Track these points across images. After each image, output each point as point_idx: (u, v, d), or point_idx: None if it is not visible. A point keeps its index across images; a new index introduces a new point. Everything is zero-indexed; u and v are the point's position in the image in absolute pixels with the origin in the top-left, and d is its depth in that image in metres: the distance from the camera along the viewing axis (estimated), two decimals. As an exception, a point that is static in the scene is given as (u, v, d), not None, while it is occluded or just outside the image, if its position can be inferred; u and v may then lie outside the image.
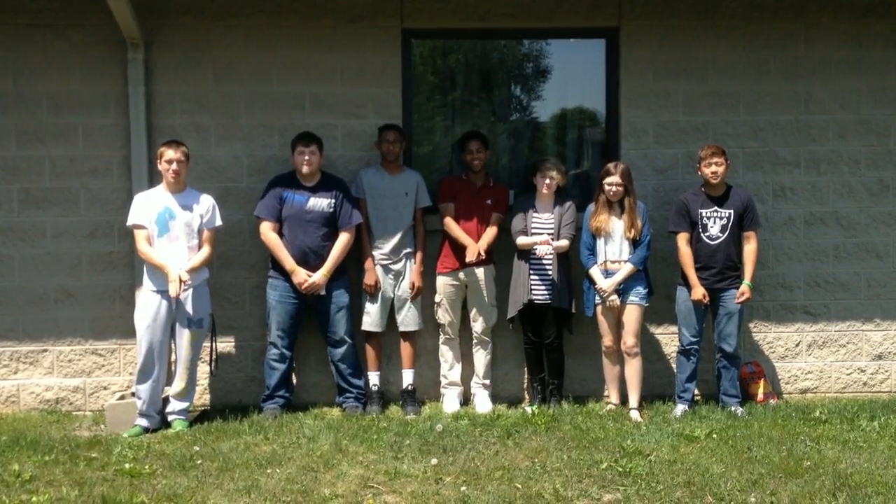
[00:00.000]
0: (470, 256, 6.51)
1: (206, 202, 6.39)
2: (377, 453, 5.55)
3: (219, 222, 6.43)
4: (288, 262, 6.50)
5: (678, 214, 6.60)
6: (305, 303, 6.60)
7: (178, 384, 6.30)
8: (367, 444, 5.72)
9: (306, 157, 6.49)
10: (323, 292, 6.54)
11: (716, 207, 6.52)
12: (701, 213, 6.52)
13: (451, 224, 6.69)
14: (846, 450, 5.59)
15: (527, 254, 6.61)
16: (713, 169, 6.46)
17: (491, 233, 6.69)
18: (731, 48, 7.08)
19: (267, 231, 6.54)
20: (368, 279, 6.68)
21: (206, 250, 6.35)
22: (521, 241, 6.58)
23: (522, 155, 7.44)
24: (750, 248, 6.56)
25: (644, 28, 7.03)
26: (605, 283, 6.44)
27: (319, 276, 6.51)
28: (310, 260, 6.52)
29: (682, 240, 6.55)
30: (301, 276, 6.47)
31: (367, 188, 6.74)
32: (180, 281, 6.08)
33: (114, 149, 6.82)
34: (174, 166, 6.22)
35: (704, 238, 6.52)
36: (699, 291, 6.43)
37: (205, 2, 6.80)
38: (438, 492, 4.87)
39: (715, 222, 6.51)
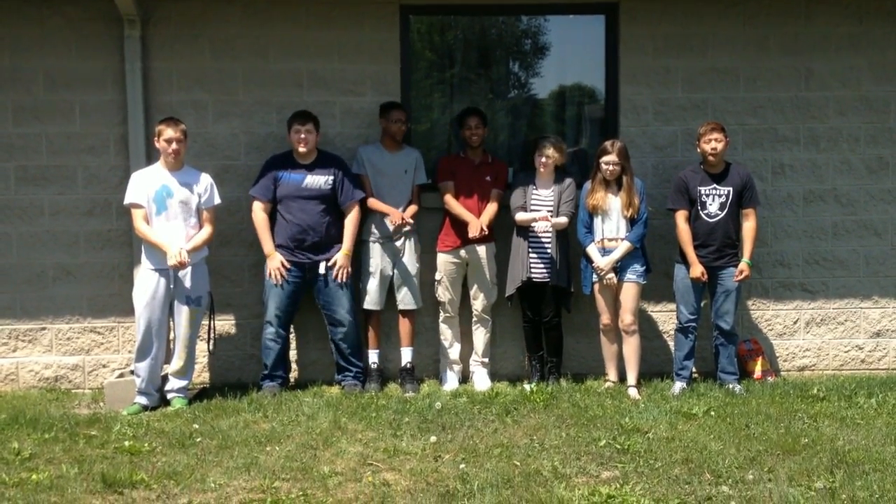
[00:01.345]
0: (473, 232, 6.49)
1: (205, 181, 6.36)
2: (376, 431, 5.57)
3: (217, 200, 6.41)
4: (267, 245, 6.52)
5: (677, 192, 6.58)
6: (305, 281, 6.59)
7: (177, 362, 6.30)
8: (366, 422, 5.74)
9: (302, 136, 6.47)
10: (323, 271, 6.53)
11: (715, 185, 6.51)
12: (700, 190, 6.50)
13: (451, 202, 6.67)
14: (843, 427, 5.60)
15: (525, 231, 6.60)
16: (712, 146, 6.44)
17: (492, 209, 6.67)
18: (731, 24, 7.03)
19: (257, 211, 6.54)
20: (394, 216, 6.56)
21: (207, 230, 6.34)
22: (520, 216, 6.56)
23: (521, 132, 7.41)
24: (749, 226, 6.55)
25: (643, 4, 6.98)
26: (602, 262, 6.44)
27: (342, 257, 6.53)
28: (308, 237, 6.51)
29: (681, 217, 6.54)
30: (276, 261, 6.48)
31: (367, 165, 6.71)
32: (180, 262, 6.06)
33: (111, 126, 6.79)
34: (174, 145, 6.19)
35: (703, 216, 6.51)
36: (698, 269, 6.43)
37: (201, -22, 6.77)
38: (437, 469, 4.88)
39: (714, 200, 6.49)
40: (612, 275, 6.44)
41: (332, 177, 6.57)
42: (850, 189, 7.15)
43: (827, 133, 7.12)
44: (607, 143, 6.47)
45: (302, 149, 6.47)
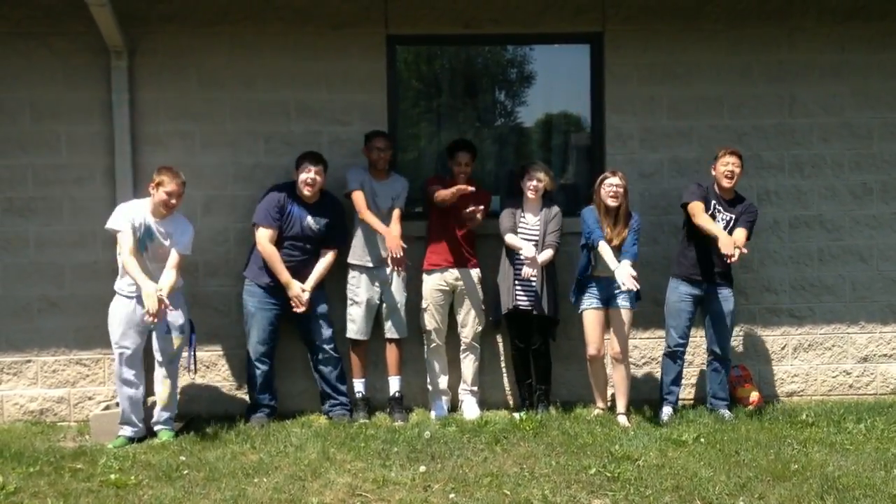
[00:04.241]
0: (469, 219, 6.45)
1: (187, 230, 6.26)
2: (365, 461, 5.53)
3: (189, 252, 6.27)
4: (283, 275, 6.46)
5: (697, 188, 6.51)
6: (284, 309, 6.57)
7: (162, 393, 6.25)
8: (354, 452, 5.70)
9: (312, 176, 6.46)
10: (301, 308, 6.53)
11: (722, 207, 6.51)
12: (713, 203, 6.51)
13: (442, 192, 6.50)
14: (833, 452, 5.60)
15: (513, 258, 6.60)
16: (730, 168, 6.45)
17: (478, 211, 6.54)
18: (715, 52, 7.10)
19: (265, 242, 6.46)
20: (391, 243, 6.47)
21: (172, 276, 6.12)
22: (510, 240, 6.53)
23: (508, 160, 7.44)
24: (739, 231, 6.37)
25: (628, 33, 7.04)
26: (621, 272, 6.11)
27: (305, 292, 6.50)
28: (291, 267, 6.50)
29: (698, 207, 6.39)
30: (296, 289, 6.46)
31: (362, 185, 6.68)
32: (160, 303, 5.92)
33: (97, 157, 6.78)
34: (174, 200, 6.10)
35: None
36: (728, 239, 6.18)
37: (188, 9, 6.78)
38: (427, 499, 4.85)
39: (720, 220, 6.49)
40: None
41: (329, 220, 6.60)
42: (835, 215, 7.20)
43: (811, 160, 7.17)
44: (608, 171, 6.48)
45: (307, 191, 6.47)
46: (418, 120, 7.38)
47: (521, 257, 6.46)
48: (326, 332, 6.63)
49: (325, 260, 6.63)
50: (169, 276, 6.14)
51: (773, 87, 7.14)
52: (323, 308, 6.63)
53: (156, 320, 5.94)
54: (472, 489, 4.98)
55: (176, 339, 6.25)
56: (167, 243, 6.17)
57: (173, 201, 6.11)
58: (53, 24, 6.72)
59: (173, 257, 6.19)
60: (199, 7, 6.79)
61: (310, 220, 6.54)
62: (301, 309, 6.49)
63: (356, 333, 6.73)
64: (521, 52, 7.43)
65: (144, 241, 6.12)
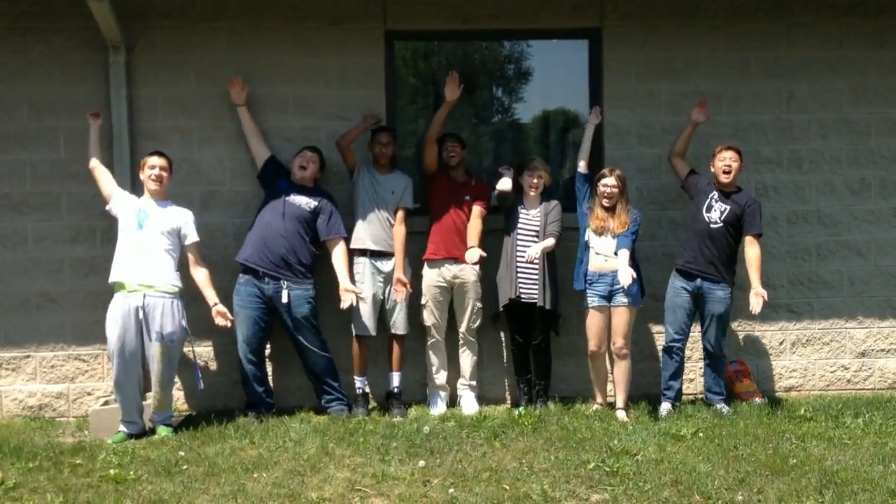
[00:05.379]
0: (471, 259, 6.54)
1: (186, 215, 6.33)
2: (364, 456, 5.53)
3: (197, 238, 6.37)
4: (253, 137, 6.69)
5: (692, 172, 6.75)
6: (269, 307, 6.54)
7: (154, 399, 6.22)
8: (353, 447, 5.70)
9: (307, 160, 6.57)
10: (348, 303, 6.50)
11: (720, 196, 6.53)
12: (711, 193, 6.53)
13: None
14: (831, 447, 5.61)
15: (514, 251, 6.61)
16: (727, 163, 6.48)
17: (477, 227, 6.67)
18: (713, 48, 7.11)
19: None
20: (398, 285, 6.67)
21: (203, 272, 6.37)
22: (501, 185, 6.62)
23: (505, 157, 7.43)
24: (752, 252, 6.49)
25: (626, 28, 7.05)
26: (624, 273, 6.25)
27: (343, 291, 6.47)
28: (274, 251, 6.44)
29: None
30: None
31: (366, 175, 6.72)
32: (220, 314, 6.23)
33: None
34: (156, 171, 6.19)
35: (705, 216, 6.50)
36: (757, 302, 6.41)
37: (186, 4, 6.78)
38: (426, 494, 4.85)
39: (717, 208, 6.50)
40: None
41: (317, 203, 6.57)
42: (833, 210, 7.21)
43: (809, 155, 7.18)
44: (606, 169, 6.52)
45: (299, 173, 6.56)
46: (416, 116, 7.38)
47: (526, 256, 6.46)
48: (313, 336, 6.59)
49: (338, 253, 6.58)
50: (203, 274, 6.39)
51: (772, 83, 7.14)
52: (306, 310, 6.54)
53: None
54: (471, 484, 4.99)
55: (168, 347, 6.15)
56: (163, 222, 6.20)
57: (157, 171, 6.22)
58: (51, 20, 6.71)
59: (191, 255, 6.34)
60: (197, 2, 6.79)
61: (295, 196, 6.54)
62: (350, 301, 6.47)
63: (363, 330, 6.71)
64: (519, 48, 7.43)
65: (141, 220, 6.18)
